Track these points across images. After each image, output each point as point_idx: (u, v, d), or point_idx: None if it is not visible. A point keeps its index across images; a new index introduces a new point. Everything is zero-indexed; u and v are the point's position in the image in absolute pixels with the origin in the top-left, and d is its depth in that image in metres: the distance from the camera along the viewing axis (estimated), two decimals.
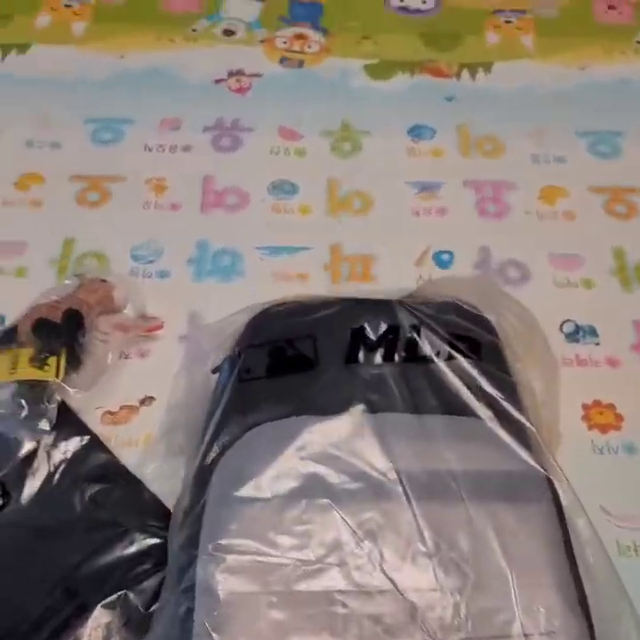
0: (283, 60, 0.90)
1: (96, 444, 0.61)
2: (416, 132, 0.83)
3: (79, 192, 0.78)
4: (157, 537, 0.56)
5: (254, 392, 0.47)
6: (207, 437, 0.46)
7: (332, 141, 0.82)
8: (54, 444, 0.60)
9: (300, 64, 0.90)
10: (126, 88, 0.86)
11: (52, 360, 0.62)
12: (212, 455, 0.45)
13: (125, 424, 0.64)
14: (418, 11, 0.95)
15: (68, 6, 0.93)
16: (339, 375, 0.46)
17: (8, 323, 0.68)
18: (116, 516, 0.57)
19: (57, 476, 0.59)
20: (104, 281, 0.68)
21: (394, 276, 0.73)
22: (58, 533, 0.56)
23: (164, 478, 0.60)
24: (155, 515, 0.59)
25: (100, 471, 0.60)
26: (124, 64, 0.89)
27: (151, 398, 0.65)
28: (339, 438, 0.43)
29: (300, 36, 0.92)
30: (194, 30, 0.92)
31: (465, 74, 0.88)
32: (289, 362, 0.47)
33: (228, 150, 0.82)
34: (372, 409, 0.46)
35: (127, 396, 0.65)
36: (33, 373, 0.61)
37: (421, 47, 0.91)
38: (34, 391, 0.61)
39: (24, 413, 0.58)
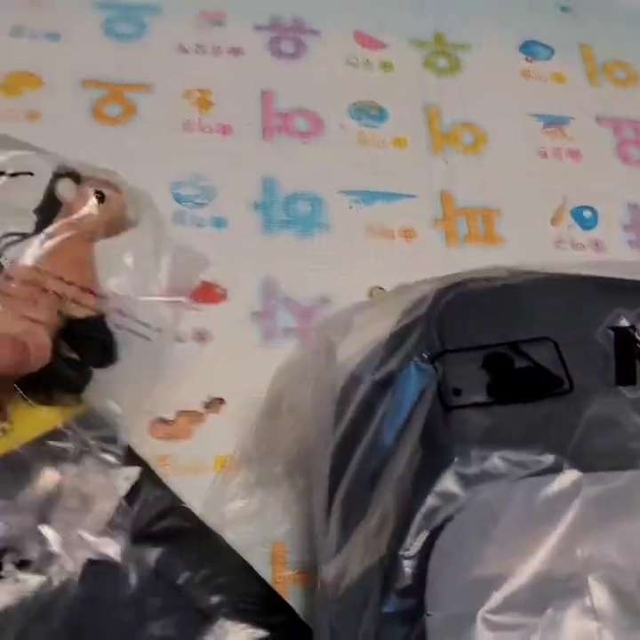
0: None
1: (149, 477, 0.43)
2: (529, 49, 0.66)
3: (94, 102, 0.57)
4: (256, 625, 0.39)
5: (472, 427, 0.29)
6: (394, 507, 0.28)
7: (426, 54, 0.64)
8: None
9: None
10: None
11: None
12: (413, 545, 0.28)
13: (187, 439, 0.45)
14: None
15: None
16: (612, 405, 0.29)
17: None
18: (188, 593, 0.40)
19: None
20: (99, 192, 0.43)
21: (525, 237, 0.56)
22: (112, 615, 0.38)
23: (247, 521, 0.43)
24: (236, 585, 0.41)
25: (158, 520, 0.42)
26: None
27: (220, 400, 0.47)
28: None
29: None
30: None
31: None
32: (525, 380, 0.30)
33: (290, 57, 0.62)
34: None
35: (186, 398, 0.46)
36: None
37: None
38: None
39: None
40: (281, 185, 0.55)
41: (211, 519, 0.41)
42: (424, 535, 0.28)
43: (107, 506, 0.39)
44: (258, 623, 0.39)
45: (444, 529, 0.28)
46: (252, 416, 0.44)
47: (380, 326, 0.36)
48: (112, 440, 0.40)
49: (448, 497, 0.28)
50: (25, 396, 0.41)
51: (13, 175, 0.43)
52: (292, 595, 0.41)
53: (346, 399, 0.36)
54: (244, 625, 0.38)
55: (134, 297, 0.42)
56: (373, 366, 0.34)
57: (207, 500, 0.42)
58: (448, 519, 0.28)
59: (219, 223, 0.53)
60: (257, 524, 0.42)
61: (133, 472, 0.42)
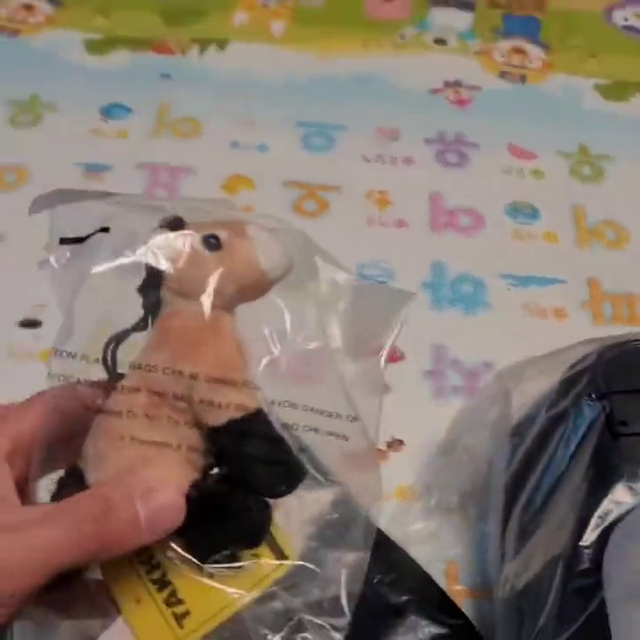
0: (503, 74, 0.82)
1: (346, 499, 0.52)
2: None
3: (295, 200, 0.70)
4: (438, 623, 0.46)
5: (638, 451, 0.37)
6: (572, 511, 0.36)
7: (571, 164, 0.74)
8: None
9: (523, 79, 0.81)
10: (335, 92, 0.78)
11: None
12: (591, 539, 0.35)
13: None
14: None
15: (265, 6, 0.87)
16: None
17: None
18: (382, 592, 0.47)
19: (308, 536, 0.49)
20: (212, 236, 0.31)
21: None
22: None
23: (424, 541, 0.51)
24: (421, 590, 0.49)
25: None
26: (329, 67, 0.81)
27: (400, 441, 0.56)
28: None
29: (518, 50, 0.84)
30: (401, 37, 0.84)
31: None
32: None
33: (454, 166, 0.73)
34: None
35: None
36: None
37: None
38: None
39: None
40: (448, 269, 0.65)
41: (394, 537, 0.50)
42: (599, 530, 0.35)
43: None
44: (439, 622, 0.46)
45: (616, 526, 0.35)
46: (430, 454, 0.53)
47: (548, 377, 0.45)
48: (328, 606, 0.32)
49: (619, 503, 0.36)
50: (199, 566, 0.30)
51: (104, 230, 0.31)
52: (462, 607, 0.48)
53: (521, 434, 0.44)
54: (427, 622, 0.46)
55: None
56: (547, 406, 0.42)
57: (391, 522, 0.51)
58: (620, 519, 0.35)
59: None
60: (433, 544, 0.50)
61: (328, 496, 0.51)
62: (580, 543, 0.35)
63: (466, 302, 0.63)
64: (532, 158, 0.74)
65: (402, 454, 0.55)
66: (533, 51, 0.84)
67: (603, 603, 0.33)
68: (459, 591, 0.49)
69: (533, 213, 0.69)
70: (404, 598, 0.47)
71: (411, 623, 0.45)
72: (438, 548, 0.50)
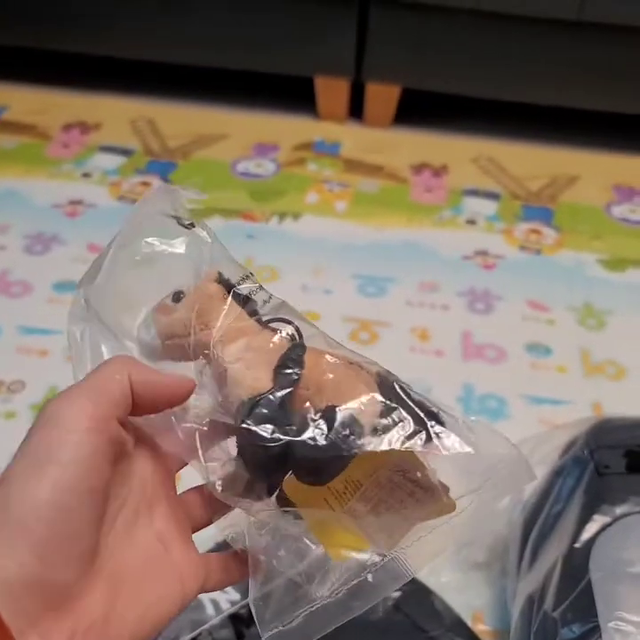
0: (522, 248, 1.00)
1: None
2: None
3: (352, 331, 0.86)
4: None
5: (616, 486, 0.49)
6: (570, 526, 0.48)
7: (578, 317, 0.90)
8: None
9: (538, 252, 1.00)
10: (386, 254, 0.98)
11: None
12: (583, 541, 0.46)
13: None
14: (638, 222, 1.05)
15: (330, 191, 1.09)
16: None
17: None
18: (419, 624, 0.57)
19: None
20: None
21: None
22: (362, 633, 0.56)
23: (455, 591, 0.61)
24: (451, 623, 0.59)
25: None
26: (381, 236, 1.01)
27: None
28: None
29: (535, 231, 1.03)
30: (439, 218, 1.05)
31: None
32: None
33: (482, 312, 0.90)
34: None
35: None
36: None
37: None
38: None
39: None
40: (476, 388, 0.79)
41: (431, 586, 0.60)
42: (588, 537, 0.46)
43: None
44: None
45: (600, 534, 0.46)
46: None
47: (553, 445, 0.57)
48: None
49: (603, 519, 0.47)
50: None
51: None
52: None
53: (533, 492, 0.56)
54: None
55: None
56: (552, 464, 0.55)
57: (428, 575, 0.61)
58: (603, 529, 0.47)
59: None
60: (463, 594, 0.60)
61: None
62: (575, 545, 0.47)
63: (491, 414, 0.77)
64: (546, 310, 0.90)
65: None
66: (547, 232, 1.03)
67: (589, 583, 0.44)
68: (483, 631, 0.58)
69: (547, 351, 0.84)
70: (438, 628, 0.57)
71: None
72: (467, 597, 0.60)
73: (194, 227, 0.39)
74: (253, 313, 0.36)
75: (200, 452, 0.34)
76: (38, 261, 0.95)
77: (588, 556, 0.45)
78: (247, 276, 0.38)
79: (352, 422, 0.33)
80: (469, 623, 0.58)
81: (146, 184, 1.08)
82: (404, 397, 0.38)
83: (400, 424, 0.35)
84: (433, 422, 0.36)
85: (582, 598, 0.43)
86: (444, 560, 0.62)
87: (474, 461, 0.36)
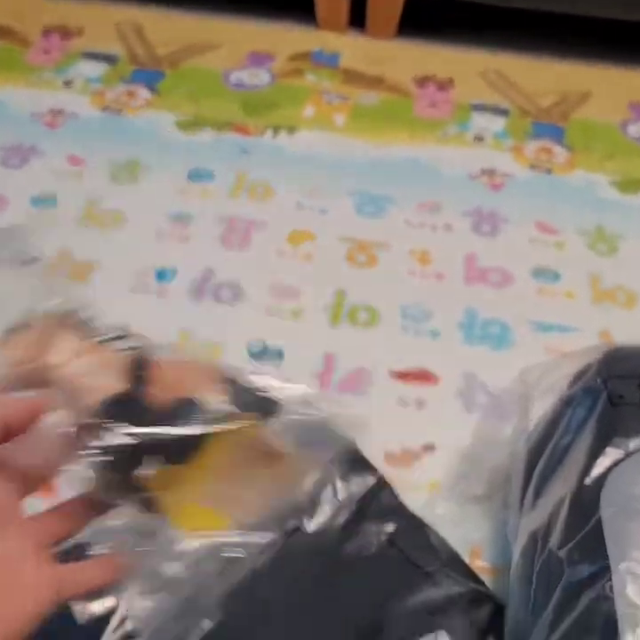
0: (531, 167, 0.94)
1: (384, 484, 0.60)
2: None
3: (348, 252, 0.81)
4: (459, 584, 0.53)
5: (630, 417, 0.45)
6: (580, 460, 0.44)
7: (589, 241, 0.85)
8: (343, 478, 0.59)
9: (549, 171, 0.94)
10: (387, 172, 0.92)
11: None
12: (594, 477, 0.43)
13: (408, 468, 0.62)
14: None
15: (329, 103, 1.02)
16: None
17: (286, 356, 0.70)
18: (414, 559, 0.55)
19: (347, 510, 0.57)
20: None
21: None
22: (354, 568, 0.54)
23: (452, 524, 0.58)
24: (447, 558, 0.56)
25: (390, 513, 0.58)
26: (382, 152, 0.94)
27: (432, 446, 0.64)
28: None
29: (545, 150, 0.97)
30: (444, 134, 0.98)
31: None
32: None
33: (487, 235, 0.84)
34: None
35: (408, 441, 0.64)
36: None
37: None
38: None
39: None
40: (479, 314, 0.75)
41: (426, 520, 0.57)
42: (599, 472, 0.43)
43: None
44: (461, 583, 0.53)
45: (612, 469, 0.43)
46: (459, 455, 0.61)
47: (562, 373, 0.53)
48: None
49: (616, 453, 0.44)
50: None
51: None
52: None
53: (539, 422, 0.53)
54: (451, 581, 0.52)
55: None
56: (560, 395, 0.51)
57: (423, 508, 0.58)
58: (615, 464, 0.43)
59: (434, 334, 0.73)
60: (460, 528, 0.57)
61: (373, 479, 0.59)
62: (585, 482, 0.43)
63: (494, 340, 0.73)
64: (555, 233, 0.85)
65: (434, 456, 0.63)
66: (558, 151, 0.97)
67: (599, 521, 0.40)
68: (480, 567, 0.56)
69: (555, 276, 0.80)
70: (433, 564, 0.54)
71: (437, 582, 0.52)
72: (464, 532, 0.57)
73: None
74: (94, 333, 0.38)
75: (66, 459, 0.35)
76: (15, 175, 0.89)
77: (598, 493, 0.42)
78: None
79: (200, 407, 0.36)
80: (466, 559, 0.56)
81: (131, 94, 1.01)
82: (242, 385, 0.40)
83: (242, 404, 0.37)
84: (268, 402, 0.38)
85: (591, 537, 0.40)
86: (441, 492, 0.59)
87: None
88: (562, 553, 0.41)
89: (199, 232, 0.82)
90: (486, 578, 0.55)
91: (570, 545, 0.41)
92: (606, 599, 0.37)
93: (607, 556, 0.39)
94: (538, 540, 0.44)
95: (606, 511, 0.41)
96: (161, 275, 0.77)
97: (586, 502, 0.42)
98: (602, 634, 0.37)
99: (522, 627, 0.45)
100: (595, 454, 0.44)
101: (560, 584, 0.40)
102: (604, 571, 0.38)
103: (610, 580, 0.38)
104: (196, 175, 0.89)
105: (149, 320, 0.72)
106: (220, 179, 0.89)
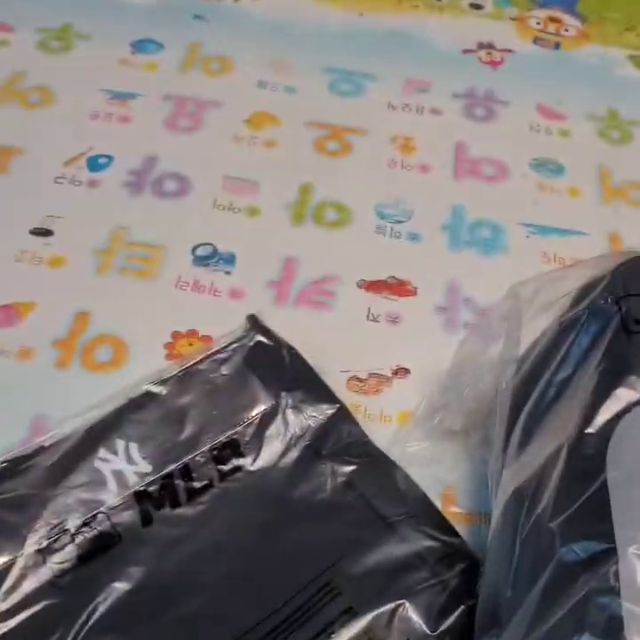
0: (536, 40, 0.81)
1: (344, 415, 0.50)
2: None
3: (318, 139, 0.70)
4: (429, 538, 0.45)
5: None
6: (582, 401, 0.35)
7: (600, 127, 0.73)
8: (296, 408, 0.50)
9: (557, 46, 0.81)
10: (367, 45, 0.78)
11: None
12: (598, 425, 0.34)
13: (376, 395, 0.53)
14: None
15: None
16: None
17: (238, 261, 0.60)
18: (376, 506, 0.46)
19: (299, 446, 0.48)
20: None
21: None
22: (307, 515, 0.45)
23: (423, 463, 0.50)
24: (416, 506, 0.48)
25: (351, 449, 0.49)
26: (363, 22, 0.81)
27: (405, 370, 0.55)
28: None
29: (554, 19, 0.83)
30: (439, 0, 0.85)
31: None
32: None
33: (481, 120, 0.72)
34: None
35: (377, 364, 0.55)
36: None
37: None
38: None
39: None
40: (468, 213, 0.64)
41: (394, 457, 0.48)
42: (606, 420, 0.34)
43: None
44: (432, 537, 0.44)
45: (624, 416, 0.33)
46: (435, 381, 0.52)
47: (563, 289, 0.44)
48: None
49: (628, 395, 0.34)
50: None
51: None
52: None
53: (531, 348, 0.43)
54: (420, 535, 0.44)
55: None
56: (560, 315, 0.41)
57: (391, 443, 0.49)
58: (628, 410, 0.34)
59: (413, 237, 0.62)
60: (432, 467, 0.49)
61: (332, 408, 0.50)
62: (586, 431, 0.34)
63: (483, 245, 0.62)
64: (561, 119, 0.73)
65: (407, 381, 0.53)
66: (569, 20, 0.83)
67: (604, 485, 0.32)
68: (454, 514, 0.47)
69: (558, 169, 0.68)
70: (398, 513, 0.45)
71: (402, 535, 0.44)
72: (437, 472, 0.49)
73: None
74: None
75: None
76: None
77: (604, 447, 0.33)
78: None
79: None
80: (439, 504, 0.47)
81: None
82: None
83: None
84: None
85: (592, 507, 0.31)
86: (412, 425, 0.51)
87: None
88: (554, 525, 0.32)
89: (141, 113, 0.69)
90: (461, 528, 0.46)
91: (564, 515, 0.32)
92: (610, 589, 0.29)
93: (613, 533, 0.30)
94: (524, 500, 0.35)
95: (613, 473, 0.32)
96: (93, 163, 0.65)
97: (587, 459, 0.33)
98: (603, 631, 0.29)
99: (499, 600, 0.37)
100: (601, 395, 0.35)
101: (551, 563, 0.32)
102: (607, 553, 0.30)
103: (615, 564, 0.29)
104: (140, 45, 0.75)
105: (78, 216, 0.62)
106: (168, 50, 0.75)
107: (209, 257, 0.60)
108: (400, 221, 0.63)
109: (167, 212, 0.63)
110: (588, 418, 0.34)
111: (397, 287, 0.59)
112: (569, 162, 0.69)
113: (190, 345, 0.55)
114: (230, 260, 0.60)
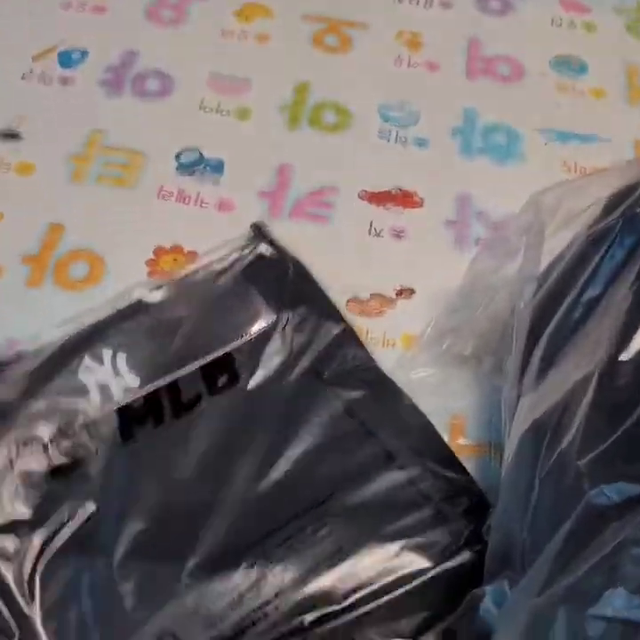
0: None
1: (350, 337, 0.46)
2: None
3: (315, 33, 0.63)
4: (433, 474, 0.42)
5: None
6: (613, 325, 0.30)
7: (628, 20, 0.66)
8: (298, 326, 0.46)
9: None
10: None
11: None
12: (634, 351, 0.29)
13: (378, 317, 0.49)
14: None
15: None
16: None
17: (227, 169, 0.54)
18: (378, 436, 0.42)
19: (299, 367, 0.44)
20: None
21: None
22: (301, 442, 0.41)
23: (430, 390, 0.46)
24: (421, 438, 0.44)
25: (356, 373, 0.45)
26: None
27: (410, 290, 0.50)
28: None
29: None
30: None
31: None
32: None
33: (497, 13, 0.65)
34: None
35: (380, 283, 0.50)
36: None
37: None
38: None
39: None
40: (480, 116, 0.58)
41: (398, 383, 0.44)
42: None
43: None
44: (434, 472, 0.41)
45: None
46: (445, 302, 0.47)
47: (590, 198, 0.39)
48: None
49: None
50: None
51: None
52: (464, 462, 0.43)
53: (554, 264, 0.39)
54: (421, 468, 0.41)
55: None
56: (588, 226, 0.36)
57: (395, 368, 0.45)
58: None
59: (420, 143, 0.57)
60: (440, 394, 0.45)
61: (337, 328, 0.46)
62: (620, 359, 0.30)
63: (497, 152, 0.56)
64: (586, 11, 0.66)
65: (412, 302, 0.49)
66: None
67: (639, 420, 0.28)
68: (463, 446, 0.43)
69: (581, 68, 0.62)
70: (400, 444, 0.42)
71: (405, 470, 0.40)
72: (445, 399, 0.45)
73: None
74: None
75: None
76: None
77: (638, 379, 0.29)
78: None
79: None
80: (446, 436, 0.43)
81: None
82: None
83: None
84: None
85: (628, 444, 0.27)
86: (418, 350, 0.46)
87: None
88: (582, 464, 0.28)
89: (119, 2, 0.62)
90: (470, 462, 0.43)
91: (594, 453, 0.28)
92: None
93: None
94: (545, 434, 0.31)
95: None
96: (65, 58, 0.59)
97: (620, 389, 0.29)
98: (639, 586, 0.25)
99: (513, 542, 0.34)
100: (637, 318, 0.30)
101: (578, 506, 0.28)
102: None
103: None
104: None
105: (48, 116, 0.55)
106: None
107: (194, 164, 0.54)
108: (406, 125, 0.57)
109: (148, 114, 0.57)
110: (622, 343, 0.30)
111: (402, 198, 0.54)
112: (593, 60, 0.62)
113: (174, 261, 0.50)
114: (218, 167, 0.54)
